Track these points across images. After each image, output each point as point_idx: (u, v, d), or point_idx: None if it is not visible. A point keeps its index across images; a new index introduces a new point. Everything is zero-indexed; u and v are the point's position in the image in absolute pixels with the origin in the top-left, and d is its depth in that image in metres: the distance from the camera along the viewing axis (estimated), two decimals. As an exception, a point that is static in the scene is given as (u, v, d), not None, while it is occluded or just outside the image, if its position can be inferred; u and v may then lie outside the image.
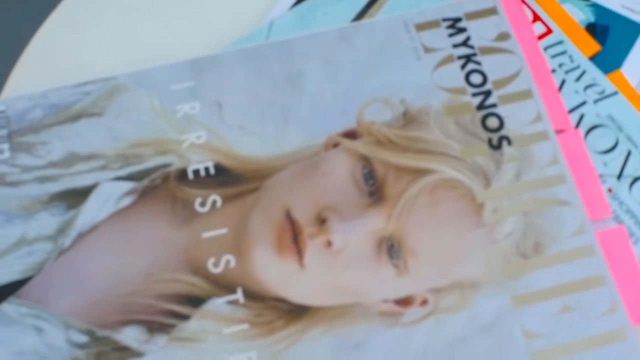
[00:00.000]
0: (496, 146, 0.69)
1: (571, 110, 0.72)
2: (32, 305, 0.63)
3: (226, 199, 0.66)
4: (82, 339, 0.62)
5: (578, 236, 0.64)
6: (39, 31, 0.74)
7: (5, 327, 0.62)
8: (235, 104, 0.69)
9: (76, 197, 0.66)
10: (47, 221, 0.65)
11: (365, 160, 0.69)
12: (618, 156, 0.71)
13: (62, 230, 0.64)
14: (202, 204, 0.67)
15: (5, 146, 0.67)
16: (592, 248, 0.63)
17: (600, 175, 0.70)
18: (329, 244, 0.68)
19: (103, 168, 0.67)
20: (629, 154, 0.70)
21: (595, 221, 0.66)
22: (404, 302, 0.63)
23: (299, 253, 0.66)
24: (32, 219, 0.65)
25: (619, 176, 0.70)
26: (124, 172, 0.67)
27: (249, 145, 0.68)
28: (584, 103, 0.72)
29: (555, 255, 0.63)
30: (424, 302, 0.62)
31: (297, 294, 0.60)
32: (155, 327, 0.62)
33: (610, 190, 0.69)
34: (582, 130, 0.71)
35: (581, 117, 0.72)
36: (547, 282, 0.62)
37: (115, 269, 0.64)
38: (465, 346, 0.59)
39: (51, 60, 0.76)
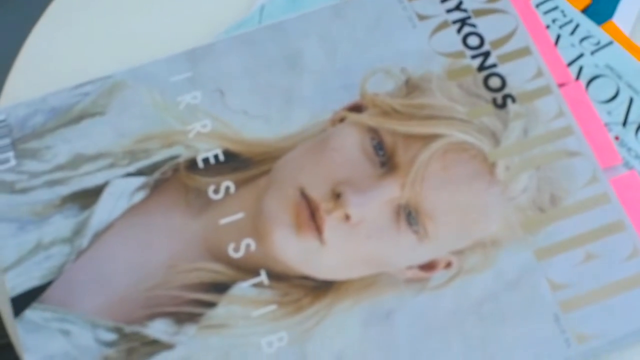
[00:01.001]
0: (501, 105, 0.69)
1: (570, 64, 0.72)
2: (56, 309, 0.63)
3: (239, 184, 0.66)
4: (111, 337, 0.62)
5: (592, 185, 0.64)
6: (30, 36, 0.74)
7: (31, 334, 0.62)
8: (236, 89, 0.69)
9: (88, 197, 0.65)
10: (62, 224, 0.65)
11: (373, 132, 0.70)
12: (621, 104, 0.71)
13: (77, 232, 0.64)
14: (216, 191, 0.67)
15: (10, 154, 0.67)
16: (607, 195, 0.64)
17: (606, 124, 0.70)
18: (347, 217, 0.68)
19: (111, 166, 0.67)
20: (631, 101, 0.71)
21: (607, 169, 0.67)
22: (428, 266, 0.63)
23: (318, 230, 0.66)
24: (46, 224, 0.65)
25: (624, 123, 0.70)
26: (133, 167, 0.66)
27: (255, 129, 0.68)
28: (581, 55, 0.73)
29: (572, 205, 0.63)
30: (448, 265, 0.62)
31: (320, 270, 0.61)
32: (183, 318, 0.62)
33: (617, 138, 0.69)
34: (582, 81, 0.72)
35: (580, 69, 0.72)
36: (567, 233, 0.62)
37: (136, 265, 0.64)
38: (493, 304, 0.60)
39: (45, 64, 0.75)
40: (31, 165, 0.66)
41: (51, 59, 0.76)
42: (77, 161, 0.67)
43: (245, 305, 0.63)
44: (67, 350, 0.61)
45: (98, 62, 0.76)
